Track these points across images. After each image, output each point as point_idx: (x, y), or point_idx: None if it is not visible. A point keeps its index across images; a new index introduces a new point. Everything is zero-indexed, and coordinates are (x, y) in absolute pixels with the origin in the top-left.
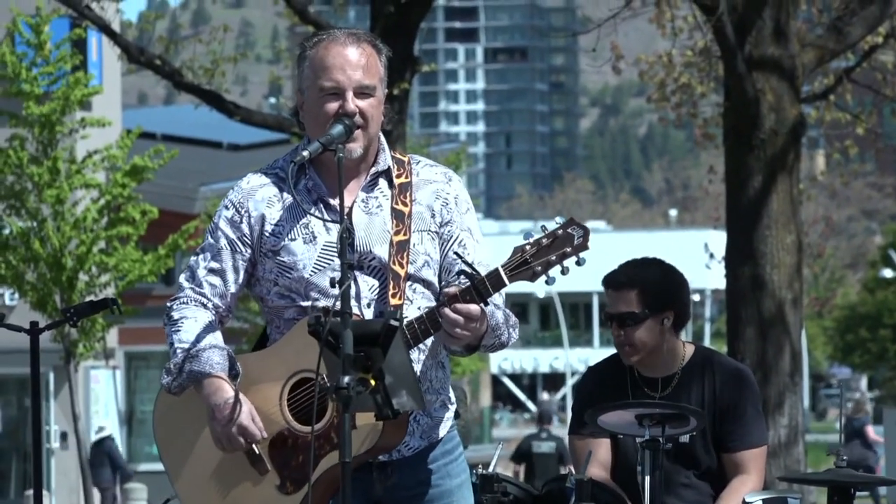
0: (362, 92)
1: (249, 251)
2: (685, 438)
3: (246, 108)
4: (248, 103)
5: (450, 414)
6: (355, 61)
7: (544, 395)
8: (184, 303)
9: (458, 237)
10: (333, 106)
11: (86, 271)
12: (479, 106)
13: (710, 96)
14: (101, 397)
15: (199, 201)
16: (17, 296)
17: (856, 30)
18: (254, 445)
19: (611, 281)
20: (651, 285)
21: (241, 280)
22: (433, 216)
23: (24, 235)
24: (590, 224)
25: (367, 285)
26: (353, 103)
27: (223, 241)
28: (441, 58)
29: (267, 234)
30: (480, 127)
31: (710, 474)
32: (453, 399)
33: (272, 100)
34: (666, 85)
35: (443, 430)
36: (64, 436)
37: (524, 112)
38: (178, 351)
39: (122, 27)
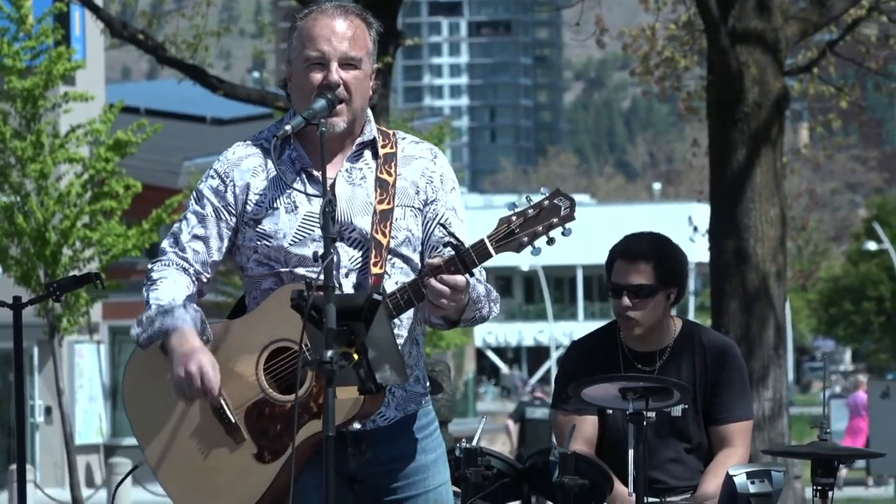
0: (348, 63)
1: (234, 220)
2: (677, 412)
3: (229, 83)
4: (232, 77)
5: (423, 390)
6: (342, 32)
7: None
8: (165, 265)
9: (443, 215)
10: (318, 76)
11: (69, 246)
12: (463, 80)
13: (694, 70)
14: (85, 372)
15: (183, 175)
16: (0, 271)
17: (839, 3)
18: (229, 414)
19: (625, 251)
20: (665, 260)
21: (223, 248)
22: (417, 193)
23: (8, 210)
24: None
25: (347, 255)
26: (336, 74)
27: (209, 209)
28: (425, 31)
29: (251, 204)
30: (464, 101)
31: (701, 450)
32: (426, 376)
33: (256, 74)
34: (649, 58)
35: (417, 405)
36: (48, 410)
37: (508, 86)
38: (153, 305)
39: (105, 1)
